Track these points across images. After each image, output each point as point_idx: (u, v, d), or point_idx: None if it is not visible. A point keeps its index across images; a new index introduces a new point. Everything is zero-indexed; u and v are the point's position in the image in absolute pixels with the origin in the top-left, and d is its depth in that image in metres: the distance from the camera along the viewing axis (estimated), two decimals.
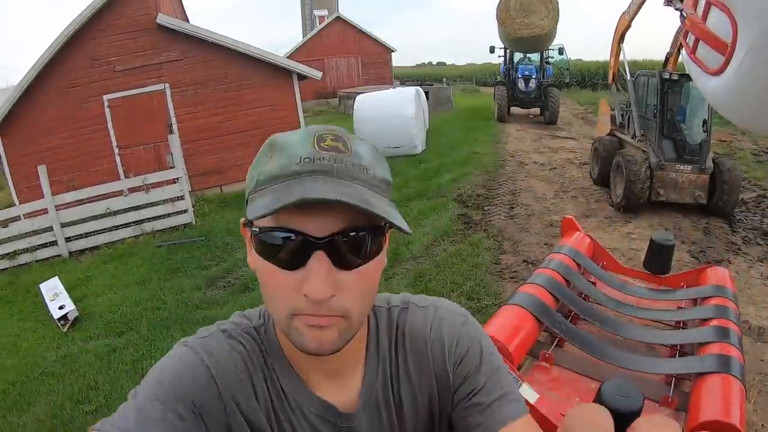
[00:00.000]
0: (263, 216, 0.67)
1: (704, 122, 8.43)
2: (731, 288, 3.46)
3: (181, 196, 9.41)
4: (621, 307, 3.50)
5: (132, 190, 9.37)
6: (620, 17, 10.38)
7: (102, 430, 0.70)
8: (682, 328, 3.30)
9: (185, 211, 9.51)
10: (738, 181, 8.25)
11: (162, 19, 11.02)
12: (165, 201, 9.32)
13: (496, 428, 0.82)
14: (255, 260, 0.76)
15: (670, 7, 6.87)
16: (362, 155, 0.75)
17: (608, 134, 10.89)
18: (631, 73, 10.30)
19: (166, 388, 0.75)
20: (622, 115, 10.70)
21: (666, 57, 10.03)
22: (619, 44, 10.63)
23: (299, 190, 0.67)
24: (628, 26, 10.21)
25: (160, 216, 9.35)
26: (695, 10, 4.52)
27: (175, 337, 5.38)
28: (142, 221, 9.23)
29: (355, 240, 0.72)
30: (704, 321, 3.12)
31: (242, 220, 0.78)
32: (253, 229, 0.74)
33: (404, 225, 0.74)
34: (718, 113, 11.28)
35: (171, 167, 9.82)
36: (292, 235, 0.70)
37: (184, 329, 5.58)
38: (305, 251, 0.70)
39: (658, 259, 3.89)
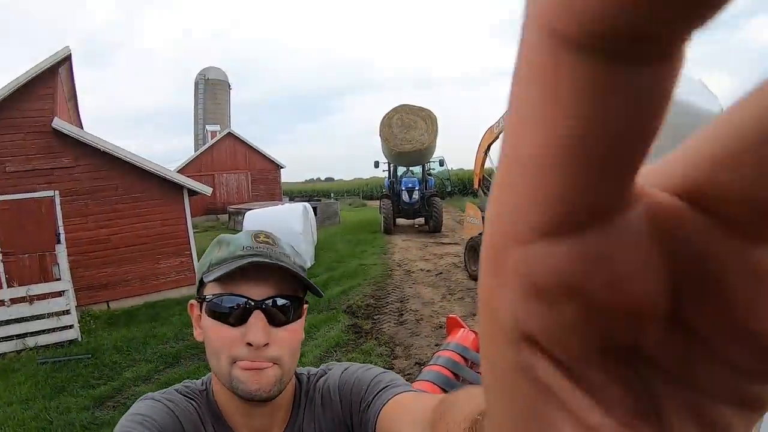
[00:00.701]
0: (222, 277, 0.97)
1: None
2: None
3: (67, 311, 8.95)
4: None
5: (14, 300, 8.76)
6: (487, 130, 11.42)
7: None
8: None
9: (71, 327, 9.00)
10: None
11: (57, 123, 10.68)
12: (50, 314, 8.80)
13: (378, 413, 1.02)
14: (204, 326, 1.03)
15: None
16: (285, 248, 1.08)
17: (481, 234, 11.47)
18: None
19: (144, 423, 0.96)
20: None
21: None
22: (485, 154, 11.60)
23: (247, 260, 0.98)
24: (496, 138, 11.18)
25: (44, 330, 8.78)
26: None
27: None
28: (24, 335, 8.64)
29: (283, 304, 1.01)
30: None
31: (191, 301, 1.10)
32: (206, 297, 1.02)
33: (319, 289, 1.08)
34: None
35: (57, 279, 9.42)
36: (238, 298, 0.99)
37: None
38: (247, 311, 0.99)
39: None
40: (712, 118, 0.17)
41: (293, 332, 1.04)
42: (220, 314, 0.99)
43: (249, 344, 0.97)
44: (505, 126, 0.16)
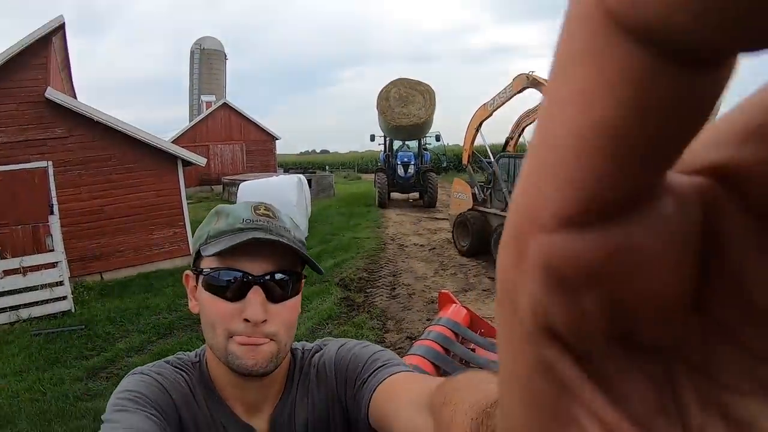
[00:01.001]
0: (221, 252, 0.95)
1: None
2: None
3: (61, 282, 8.89)
4: None
5: (8, 272, 8.69)
6: (481, 107, 11.42)
7: None
8: None
9: (64, 298, 8.95)
10: None
11: (51, 93, 10.46)
12: (43, 286, 8.75)
13: (373, 391, 1.01)
14: (200, 299, 1.01)
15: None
16: (285, 222, 1.05)
17: (470, 209, 11.59)
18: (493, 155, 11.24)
19: (136, 399, 0.96)
20: (483, 192, 11.49)
21: (506, 140, 11.20)
22: (476, 130, 11.62)
23: (247, 235, 0.96)
24: (489, 115, 11.20)
25: (37, 302, 8.73)
26: None
27: (57, 431, 5.20)
28: (18, 307, 8.60)
29: (282, 279, 1.00)
30: None
31: (186, 272, 1.08)
32: (203, 270, 1.00)
33: (318, 266, 1.08)
34: None
35: (50, 250, 9.36)
36: (237, 273, 0.97)
37: (66, 423, 5.36)
38: (245, 286, 0.97)
39: None
40: None
41: (291, 308, 1.03)
42: (217, 288, 0.97)
43: (246, 320, 0.96)
44: (540, 106, 0.16)
